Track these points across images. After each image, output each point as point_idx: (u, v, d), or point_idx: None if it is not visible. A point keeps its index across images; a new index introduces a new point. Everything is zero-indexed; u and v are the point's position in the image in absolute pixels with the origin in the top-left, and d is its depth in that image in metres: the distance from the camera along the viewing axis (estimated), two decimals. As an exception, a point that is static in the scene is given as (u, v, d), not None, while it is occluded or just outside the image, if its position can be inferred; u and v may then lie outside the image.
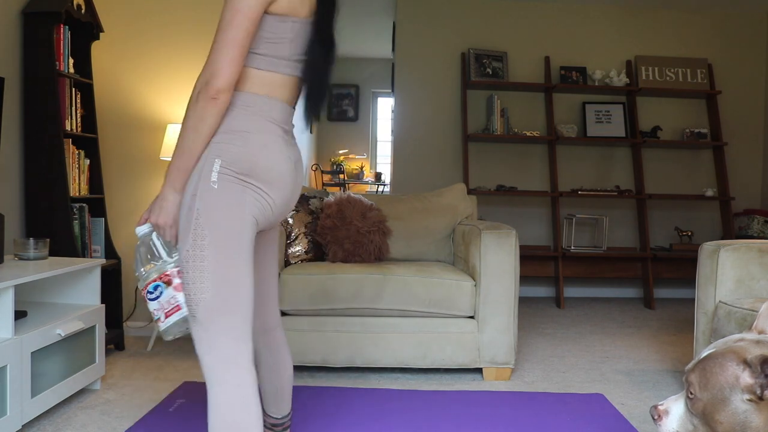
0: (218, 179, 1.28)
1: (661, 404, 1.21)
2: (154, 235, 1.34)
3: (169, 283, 1.31)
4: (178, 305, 1.31)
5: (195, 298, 1.26)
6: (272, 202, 1.36)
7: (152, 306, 1.33)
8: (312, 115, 1.47)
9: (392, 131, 4.92)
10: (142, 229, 1.34)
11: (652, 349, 3.19)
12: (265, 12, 1.31)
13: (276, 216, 1.41)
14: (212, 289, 1.26)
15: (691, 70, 4.75)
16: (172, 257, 1.33)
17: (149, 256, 1.33)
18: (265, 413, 1.75)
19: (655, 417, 1.20)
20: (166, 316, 1.31)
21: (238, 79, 1.32)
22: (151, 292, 1.32)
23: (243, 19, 1.26)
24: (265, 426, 1.75)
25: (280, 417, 1.73)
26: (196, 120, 1.27)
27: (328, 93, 1.48)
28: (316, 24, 1.41)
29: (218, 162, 1.28)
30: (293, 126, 1.47)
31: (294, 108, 1.46)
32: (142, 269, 1.33)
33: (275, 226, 1.55)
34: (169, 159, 2.98)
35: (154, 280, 1.32)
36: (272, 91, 1.37)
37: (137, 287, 1.38)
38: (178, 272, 1.32)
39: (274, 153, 1.34)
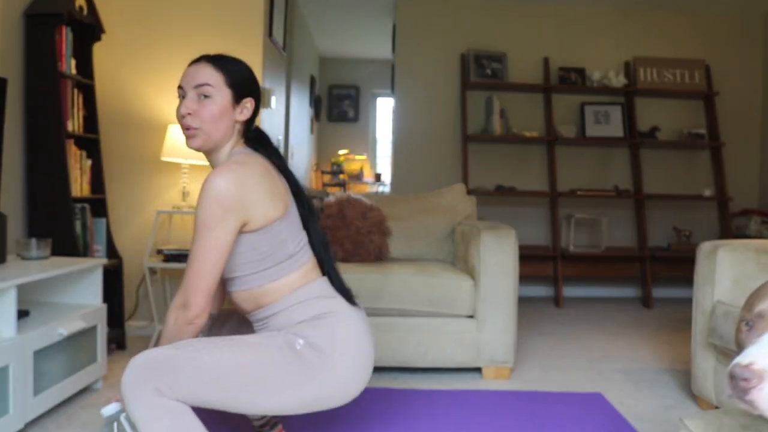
0: (302, 348, 1.37)
1: (751, 361, 0.79)
2: (122, 416, 1.29)
3: None
4: None
5: (192, 351, 1.26)
6: (343, 382, 1.42)
7: None
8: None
9: (392, 132, 4.94)
10: (110, 410, 1.30)
11: (651, 348, 3.21)
12: (247, 233, 1.37)
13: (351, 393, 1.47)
14: (213, 362, 1.26)
15: (689, 71, 4.77)
16: None
17: None
18: (249, 419, 1.76)
19: (746, 382, 0.78)
20: None
21: (272, 293, 1.41)
22: None
23: (210, 252, 1.31)
24: (253, 430, 1.77)
25: (262, 417, 1.75)
26: (176, 339, 1.34)
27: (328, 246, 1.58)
28: (301, 204, 1.51)
29: (302, 341, 1.38)
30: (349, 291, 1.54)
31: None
32: None
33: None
34: (171, 160, 3.00)
35: None
36: (306, 279, 1.45)
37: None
38: None
39: (354, 328, 1.44)
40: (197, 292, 1.31)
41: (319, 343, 1.36)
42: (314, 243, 1.51)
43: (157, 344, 1.35)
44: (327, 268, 1.51)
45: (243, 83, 1.45)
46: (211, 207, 1.29)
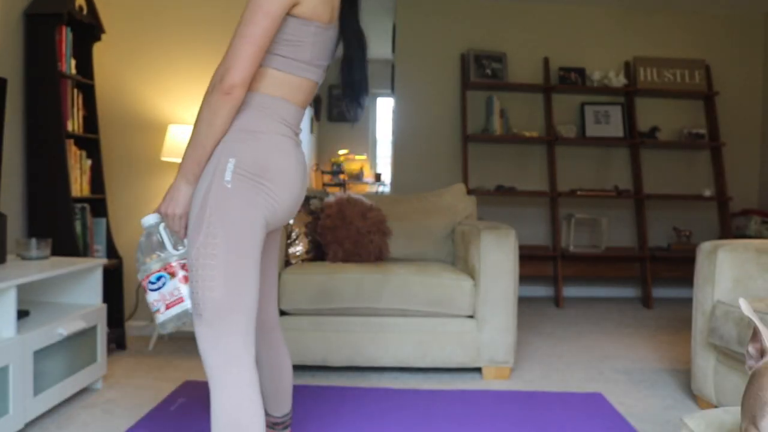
0: (232, 179, 1.28)
1: None
2: (161, 226, 1.34)
3: (173, 275, 1.31)
4: (180, 297, 1.31)
5: (203, 296, 1.27)
6: (281, 204, 1.37)
7: (153, 297, 1.32)
8: (357, 107, 1.48)
9: (392, 132, 4.94)
10: (149, 220, 1.34)
11: (651, 348, 3.21)
12: (288, 14, 1.32)
13: (283, 217, 1.43)
14: (222, 287, 1.27)
15: (689, 71, 4.77)
16: (177, 249, 1.33)
17: (154, 247, 1.33)
18: (265, 412, 1.76)
19: None
20: (167, 308, 1.31)
21: (254, 78, 1.33)
22: (153, 283, 1.32)
23: (263, 17, 1.26)
24: (266, 425, 1.77)
25: (280, 416, 1.75)
26: (210, 114, 1.28)
27: (368, 87, 1.50)
28: (343, 26, 1.44)
29: (233, 161, 1.29)
30: (301, 130, 1.49)
31: (305, 111, 1.47)
32: (146, 259, 1.33)
33: (279, 227, 1.58)
34: (170, 160, 3.00)
35: (158, 271, 1.31)
36: (287, 94, 1.38)
37: (139, 281, 1.37)
38: (183, 265, 1.32)
39: (286, 155, 1.36)
40: (241, 57, 1.24)
41: (248, 163, 1.29)
42: (350, 75, 1.43)
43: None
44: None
45: None
46: None
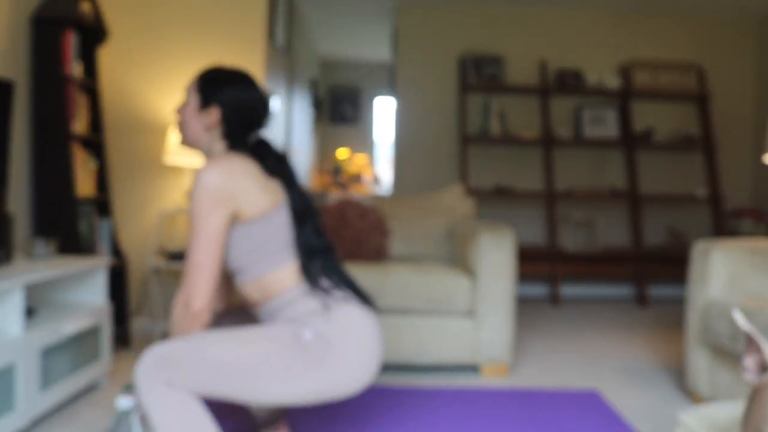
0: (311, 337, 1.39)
1: None
2: (134, 414, 1.33)
3: None
4: None
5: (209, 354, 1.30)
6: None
7: None
8: (314, 265, 1.50)
9: (394, 134, 4.99)
10: (125, 403, 1.33)
11: (646, 346, 3.26)
12: (240, 224, 1.40)
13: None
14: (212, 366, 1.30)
15: (684, 74, 4.82)
16: None
17: None
18: (251, 413, 1.80)
19: None
20: None
21: (266, 288, 1.43)
22: None
23: (205, 243, 1.34)
24: (258, 425, 1.81)
25: (266, 414, 1.78)
26: (184, 334, 1.37)
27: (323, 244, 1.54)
28: (291, 205, 1.49)
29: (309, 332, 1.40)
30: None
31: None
32: None
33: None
34: (174, 161, 3.04)
35: None
36: (295, 279, 1.45)
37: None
38: None
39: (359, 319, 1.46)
40: (198, 285, 1.34)
41: (327, 334, 1.39)
42: (300, 246, 1.47)
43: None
44: (313, 273, 1.46)
45: (210, 89, 1.50)
46: (201, 199, 1.35)
